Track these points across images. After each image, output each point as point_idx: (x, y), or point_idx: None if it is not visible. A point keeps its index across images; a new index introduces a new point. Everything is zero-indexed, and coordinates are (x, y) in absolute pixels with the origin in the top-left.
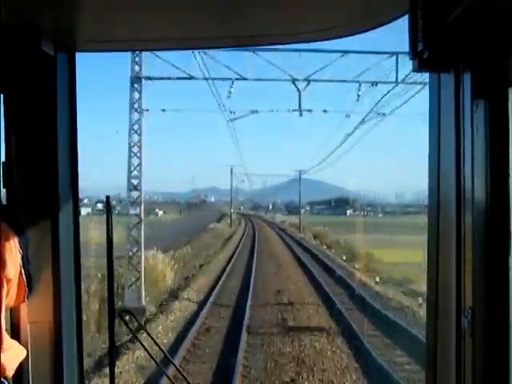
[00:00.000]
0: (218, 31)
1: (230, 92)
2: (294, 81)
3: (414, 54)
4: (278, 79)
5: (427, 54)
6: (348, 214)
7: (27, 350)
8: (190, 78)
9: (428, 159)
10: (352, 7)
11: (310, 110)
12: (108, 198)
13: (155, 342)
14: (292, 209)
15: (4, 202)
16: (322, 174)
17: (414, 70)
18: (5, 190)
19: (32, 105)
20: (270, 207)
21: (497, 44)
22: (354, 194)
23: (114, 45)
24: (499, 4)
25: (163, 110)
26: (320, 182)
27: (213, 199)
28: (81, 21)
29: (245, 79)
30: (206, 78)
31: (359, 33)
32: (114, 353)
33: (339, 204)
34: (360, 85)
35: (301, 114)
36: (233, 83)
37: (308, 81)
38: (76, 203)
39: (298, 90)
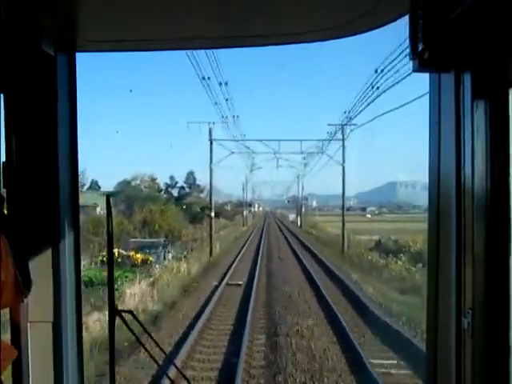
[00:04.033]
0: (217, 31)
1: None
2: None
3: (414, 54)
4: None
5: (427, 54)
6: None
7: (27, 350)
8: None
9: (428, 159)
10: (352, 7)
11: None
12: (108, 197)
13: (155, 342)
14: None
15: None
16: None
17: (415, 71)
18: (5, 189)
19: (32, 105)
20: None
21: (497, 44)
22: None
23: (114, 45)
24: (499, 4)
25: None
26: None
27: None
28: (81, 21)
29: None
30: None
31: (359, 33)
32: (113, 353)
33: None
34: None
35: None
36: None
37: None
38: (76, 203)
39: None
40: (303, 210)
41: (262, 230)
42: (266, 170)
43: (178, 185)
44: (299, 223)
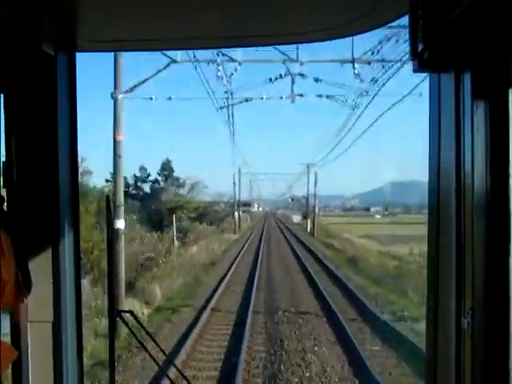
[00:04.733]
0: (217, 31)
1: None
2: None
3: (414, 54)
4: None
5: (427, 54)
6: None
7: (27, 350)
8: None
9: (428, 159)
10: (352, 7)
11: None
12: (108, 197)
13: (155, 342)
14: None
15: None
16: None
17: (415, 71)
18: (5, 189)
19: (32, 105)
20: None
21: (497, 44)
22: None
23: (114, 45)
24: (499, 4)
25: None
26: None
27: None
28: (81, 21)
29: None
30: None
31: (359, 33)
32: (113, 353)
33: None
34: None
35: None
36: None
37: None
38: (76, 203)
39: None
40: (316, 210)
41: (261, 239)
42: (262, 108)
43: (151, 178)
44: (309, 229)
